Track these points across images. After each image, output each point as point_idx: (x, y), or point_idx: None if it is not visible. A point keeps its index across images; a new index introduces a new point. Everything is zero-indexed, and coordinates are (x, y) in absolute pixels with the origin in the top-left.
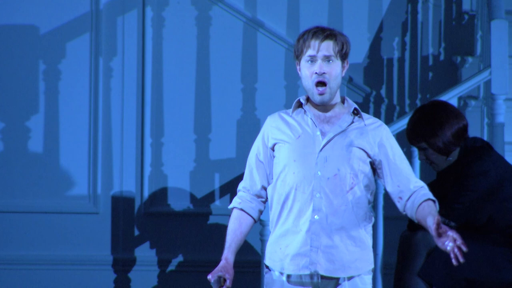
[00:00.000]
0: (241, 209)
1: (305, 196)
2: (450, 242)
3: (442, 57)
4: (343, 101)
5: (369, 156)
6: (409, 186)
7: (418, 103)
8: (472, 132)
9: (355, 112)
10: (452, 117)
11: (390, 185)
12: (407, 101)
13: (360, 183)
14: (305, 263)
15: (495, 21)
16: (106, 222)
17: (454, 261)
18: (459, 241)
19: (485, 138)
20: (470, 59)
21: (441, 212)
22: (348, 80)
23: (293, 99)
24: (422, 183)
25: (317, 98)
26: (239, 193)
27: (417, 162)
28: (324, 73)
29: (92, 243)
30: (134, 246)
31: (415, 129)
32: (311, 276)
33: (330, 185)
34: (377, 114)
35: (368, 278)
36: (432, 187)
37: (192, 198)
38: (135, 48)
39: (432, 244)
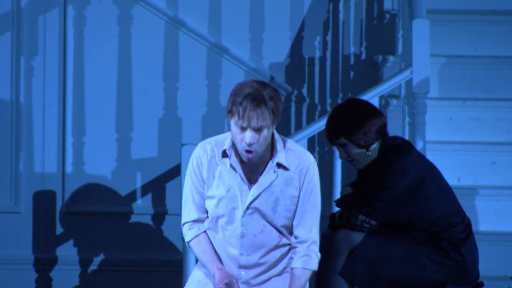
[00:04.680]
0: (202, 233)
1: (233, 251)
2: None
3: (363, 56)
4: (273, 139)
5: (296, 196)
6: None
7: (340, 102)
8: (394, 131)
9: (279, 164)
10: (370, 112)
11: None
12: (329, 100)
13: (287, 234)
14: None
15: (417, 20)
16: (27, 222)
17: None
18: None
19: (407, 137)
20: (391, 58)
21: (362, 211)
22: (270, 79)
23: (215, 98)
24: (314, 238)
25: (245, 159)
26: (191, 225)
27: (338, 163)
28: (252, 143)
29: (13, 242)
30: (56, 245)
31: (333, 125)
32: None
33: (257, 240)
34: (298, 114)
35: None
36: (353, 186)
37: (114, 197)
38: (57, 47)
39: (354, 243)
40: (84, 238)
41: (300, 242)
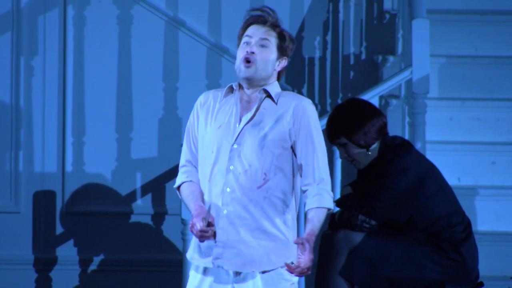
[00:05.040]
0: (191, 181)
1: (217, 189)
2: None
3: (363, 56)
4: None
5: (288, 139)
6: (311, 178)
7: (340, 102)
8: (394, 131)
9: (268, 95)
10: (370, 112)
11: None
12: (329, 100)
13: (274, 176)
14: (211, 258)
15: (417, 20)
16: (27, 221)
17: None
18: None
19: (407, 137)
20: (391, 58)
21: (362, 211)
22: None
23: None
24: (322, 176)
25: (242, 72)
26: (184, 168)
27: (338, 162)
28: (253, 52)
29: (13, 242)
30: (56, 245)
31: (334, 125)
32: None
33: (241, 180)
34: None
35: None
36: (353, 186)
37: (114, 197)
38: (57, 47)
39: (354, 243)
40: (84, 238)
41: (308, 184)
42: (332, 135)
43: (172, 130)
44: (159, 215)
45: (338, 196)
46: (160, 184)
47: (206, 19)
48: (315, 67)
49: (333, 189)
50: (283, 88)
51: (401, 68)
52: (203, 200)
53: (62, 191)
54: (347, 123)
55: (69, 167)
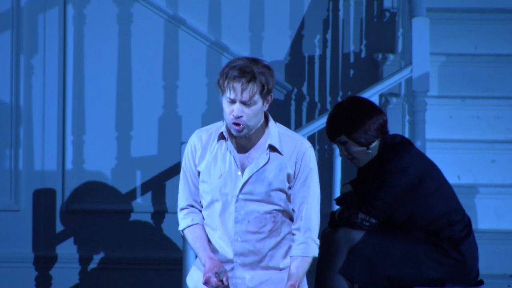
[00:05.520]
0: (197, 224)
1: (226, 239)
2: None
3: (363, 55)
4: (267, 123)
5: (289, 187)
6: (300, 224)
7: (340, 100)
8: (394, 129)
9: (271, 148)
10: (370, 110)
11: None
12: (329, 99)
13: (280, 219)
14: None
15: (416, 19)
16: (27, 220)
17: None
18: None
19: (406, 135)
20: (391, 56)
21: (362, 210)
22: None
23: (215, 96)
24: (309, 225)
25: (234, 133)
26: (185, 210)
27: (338, 161)
28: (240, 116)
29: (13, 241)
30: (56, 243)
31: (334, 123)
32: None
33: (250, 226)
34: (298, 112)
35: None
36: (352, 184)
37: (114, 195)
38: (57, 46)
39: (354, 241)
40: (84, 236)
41: (297, 229)
42: (332, 133)
43: (172, 128)
44: (159, 213)
45: (338, 194)
46: (160, 182)
47: (206, 17)
48: (315, 65)
49: (333, 187)
50: (282, 87)
51: (401, 66)
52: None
53: (62, 189)
54: (347, 121)
55: (69, 165)
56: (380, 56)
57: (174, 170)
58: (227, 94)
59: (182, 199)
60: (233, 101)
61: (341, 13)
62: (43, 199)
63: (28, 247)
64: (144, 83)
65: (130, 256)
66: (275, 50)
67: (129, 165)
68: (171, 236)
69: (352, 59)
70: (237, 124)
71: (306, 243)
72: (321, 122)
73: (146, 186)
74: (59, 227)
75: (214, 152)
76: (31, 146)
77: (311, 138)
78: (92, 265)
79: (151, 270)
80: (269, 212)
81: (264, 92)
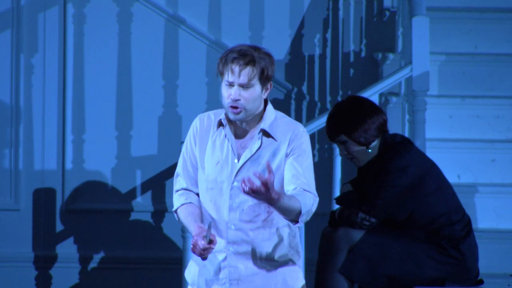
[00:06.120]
0: (190, 203)
1: (221, 227)
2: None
3: (363, 54)
4: (264, 109)
5: (284, 164)
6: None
7: (340, 99)
8: (393, 128)
9: (264, 132)
10: (370, 109)
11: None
12: (329, 98)
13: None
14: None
15: (416, 18)
16: (27, 219)
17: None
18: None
19: (406, 134)
20: (391, 55)
21: (362, 209)
22: None
23: (215, 95)
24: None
25: (231, 116)
26: (181, 191)
27: (338, 160)
28: (238, 100)
29: (13, 240)
30: (56, 243)
31: (333, 122)
32: None
33: (244, 215)
34: (298, 111)
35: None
36: (352, 184)
37: (114, 194)
38: (57, 45)
39: (354, 241)
40: (84, 235)
41: (295, 188)
42: (332, 132)
43: (172, 128)
44: (159, 212)
45: (338, 193)
46: (160, 181)
47: (206, 17)
48: (315, 64)
49: (333, 187)
50: (283, 86)
51: (401, 65)
52: (202, 221)
53: (62, 189)
54: (347, 121)
55: (69, 165)
56: (380, 55)
57: (174, 169)
58: (226, 77)
59: (180, 182)
60: (231, 84)
61: (341, 12)
62: (43, 198)
63: (28, 246)
64: (144, 82)
65: (130, 256)
66: (275, 50)
67: (129, 165)
68: (171, 236)
69: (352, 59)
70: (234, 107)
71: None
72: (321, 122)
73: (146, 186)
74: (59, 227)
75: (213, 139)
76: (31, 145)
77: (311, 138)
78: (92, 265)
79: (151, 270)
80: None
81: (264, 77)
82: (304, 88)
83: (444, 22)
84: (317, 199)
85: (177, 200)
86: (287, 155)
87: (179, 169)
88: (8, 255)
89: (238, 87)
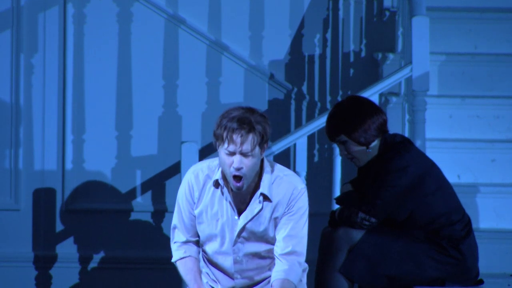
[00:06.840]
0: (189, 256)
1: (226, 282)
2: None
3: (363, 54)
4: (261, 167)
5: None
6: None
7: (340, 99)
8: (393, 128)
9: (264, 196)
10: (370, 109)
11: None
12: (329, 98)
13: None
14: None
15: (416, 18)
16: (27, 219)
17: None
18: None
19: (406, 134)
20: (391, 55)
21: (362, 209)
22: (270, 77)
23: (215, 95)
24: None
25: (233, 188)
26: (179, 243)
27: (338, 160)
28: (241, 168)
29: (13, 240)
30: (56, 243)
31: (333, 122)
32: None
33: (249, 264)
34: (298, 111)
35: None
36: (353, 184)
37: (114, 194)
38: (57, 45)
39: (354, 241)
40: (84, 235)
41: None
42: (332, 132)
43: (172, 128)
44: (159, 212)
45: (338, 193)
46: (160, 181)
47: (206, 17)
48: (315, 64)
49: (333, 187)
50: (282, 86)
51: (401, 65)
52: (201, 277)
53: (62, 189)
54: (347, 121)
55: (69, 165)
56: (380, 55)
57: (174, 169)
58: (225, 145)
59: (178, 235)
60: (232, 153)
61: (341, 12)
62: (43, 198)
63: (28, 246)
64: (144, 82)
65: (130, 256)
66: (275, 49)
67: (129, 165)
68: (168, 235)
69: (352, 59)
70: (237, 179)
71: (289, 268)
72: (321, 122)
73: (146, 186)
74: (59, 227)
75: (210, 195)
76: (31, 145)
77: (311, 138)
78: (92, 265)
79: (151, 270)
80: (267, 251)
81: (263, 142)
82: (304, 88)
83: (444, 22)
84: (305, 265)
85: (176, 252)
86: (284, 213)
87: (175, 221)
88: (8, 255)
89: (240, 155)
